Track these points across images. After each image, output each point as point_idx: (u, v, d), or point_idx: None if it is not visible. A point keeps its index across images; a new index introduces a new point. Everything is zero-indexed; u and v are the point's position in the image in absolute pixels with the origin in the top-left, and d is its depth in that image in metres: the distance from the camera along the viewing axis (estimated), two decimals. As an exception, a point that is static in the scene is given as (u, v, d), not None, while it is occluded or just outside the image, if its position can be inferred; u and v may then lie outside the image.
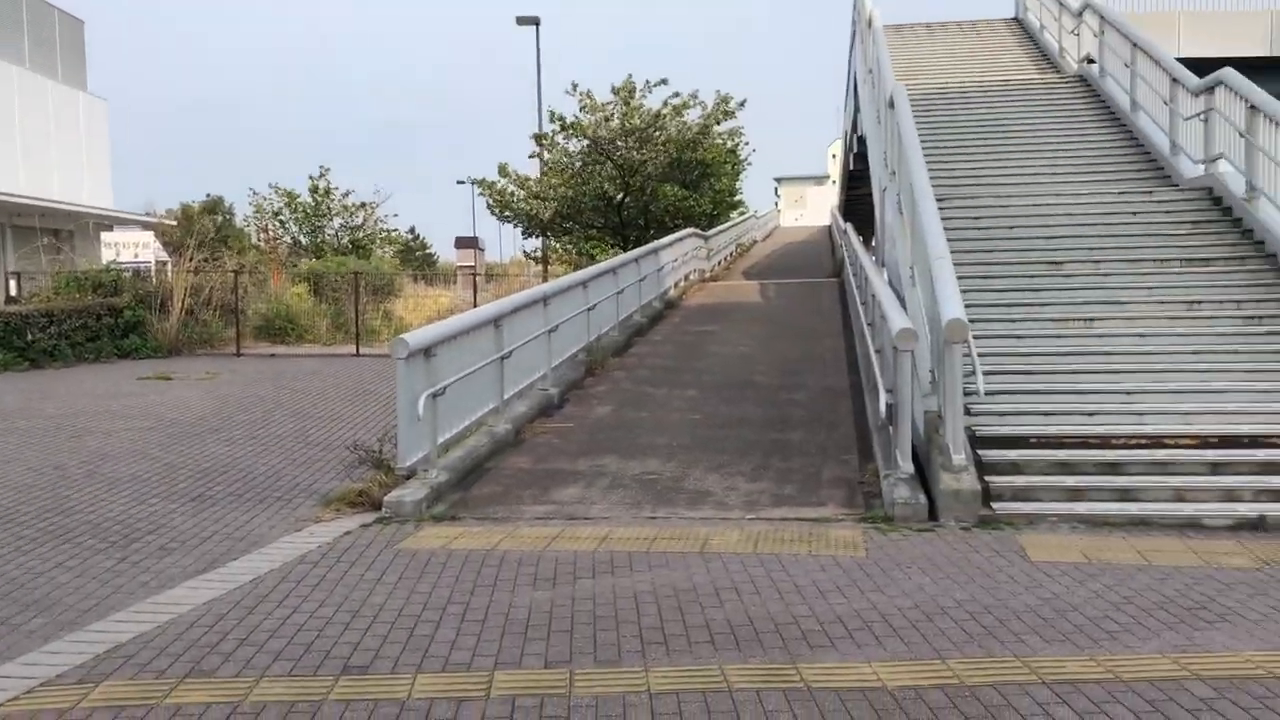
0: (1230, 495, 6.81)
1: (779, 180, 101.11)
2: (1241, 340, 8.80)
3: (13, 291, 22.25)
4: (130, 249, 22.43)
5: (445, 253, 79.46)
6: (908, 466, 7.10)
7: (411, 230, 68.66)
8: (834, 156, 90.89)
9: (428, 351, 7.90)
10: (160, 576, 5.93)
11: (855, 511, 7.12)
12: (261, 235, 33.86)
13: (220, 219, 55.69)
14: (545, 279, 28.97)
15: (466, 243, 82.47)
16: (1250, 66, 12.98)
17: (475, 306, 22.36)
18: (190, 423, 11.56)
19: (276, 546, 6.56)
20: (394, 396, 13.58)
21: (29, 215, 32.05)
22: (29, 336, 17.26)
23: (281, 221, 33.47)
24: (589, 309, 13.35)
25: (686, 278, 22.72)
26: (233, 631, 4.89)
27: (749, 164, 29.83)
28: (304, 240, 33.30)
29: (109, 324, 18.78)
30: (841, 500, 7.43)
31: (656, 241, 19.73)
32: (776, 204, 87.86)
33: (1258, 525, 6.53)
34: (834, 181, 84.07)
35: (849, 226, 23.17)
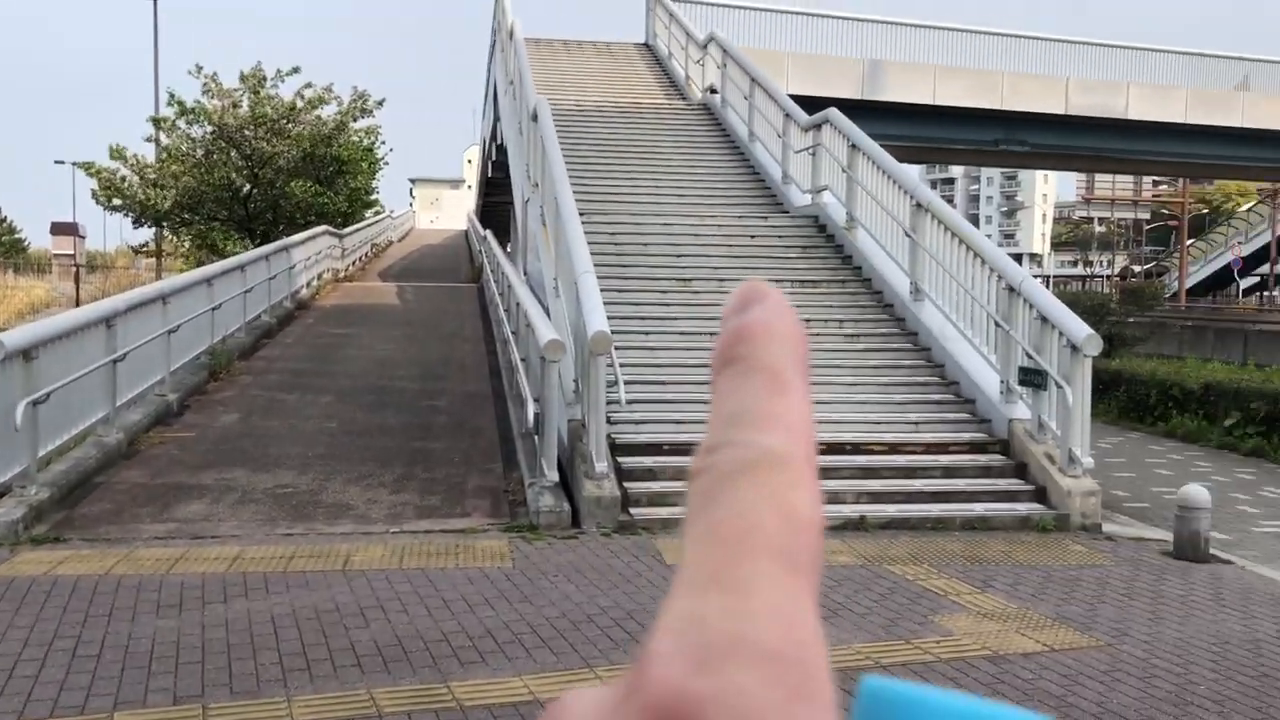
0: (835, 498, 7.54)
1: (414, 181, 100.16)
2: (843, 356, 9.79)
3: None
4: None
5: (38, 239, 71.37)
6: (553, 475, 7.25)
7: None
8: (470, 162, 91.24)
9: (27, 354, 7.04)
10: None
11: (501, 521, 7.17)
12: None
13: None
14: (159, 273, 26.78)
15: (64, 229, 74.59)
16: (849, 107, 14.49)
17: (76, 302, 20.23)
18: None
19: None
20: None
21: None
22: None
23: None
24: (214, 308, 12.48)
25: (320, 277, 21.85)
26: None
27: (386, 163, 29.21)
28: None
29: None
30: (487, 510, 7.45)
31: (288, 238, 18.80)
32: (412, 205, 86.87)
33: (859, 525, 7.28)
34: (470, 186, 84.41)
35: (489, 234, 23.34)
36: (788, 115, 13.61)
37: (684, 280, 10.97)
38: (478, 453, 9.13)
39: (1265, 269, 53.95)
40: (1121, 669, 4.77)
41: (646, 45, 23.53)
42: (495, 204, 37.30)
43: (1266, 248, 50.32)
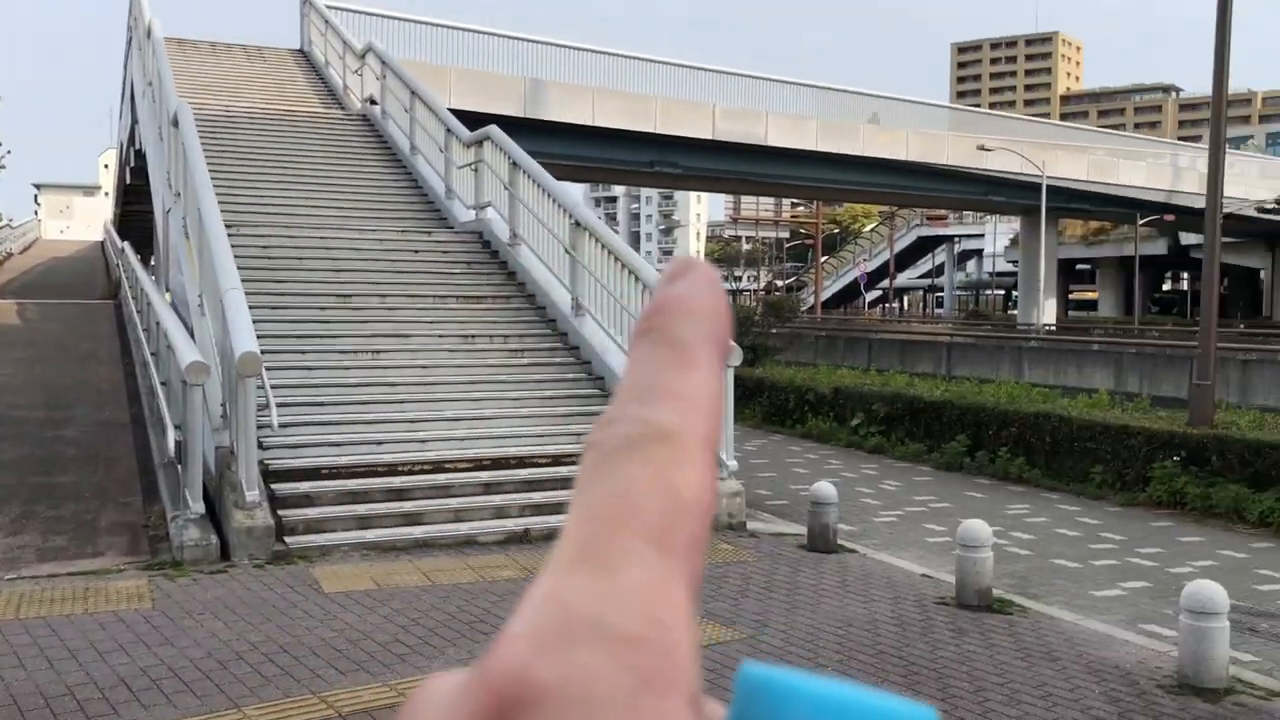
0: (501, 512, 7.60)
1: (40, 187, 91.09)
2: (508, 371, 9.87)
3: None
4: None
5: None
6: (198, 506, 6.79)
7: None
8: (107, 167, 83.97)
9: None
10: None
11: (140, 559, 6.62)
12: None
13: None
14: None
15: None
16: (512, 124, 14.65)
17: None
18: None
19: None
20: None
21: None
22: None
23: None
24: None
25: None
26: None
27: (2, 167, 26.28)
28: None
29: None
30: (124, 548, 6.86)
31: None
32: (37, 213, 78.81)
33: (523, 538, 7.37)
34: (108, 194, 77.61)
35: (127, 245, 21.53)
36: (449, 130, 13.56)
37: (343, 296, 10.65)
38: (113, 485, 8.40)
39: (886, 283, 60.27)
40: (761, 658, 5.14)
41: (302, 51, 22.66)
42: (136, 212, 34.42)
43: (886, 264, 56.21)
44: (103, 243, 41.34)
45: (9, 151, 36.69)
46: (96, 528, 7.29)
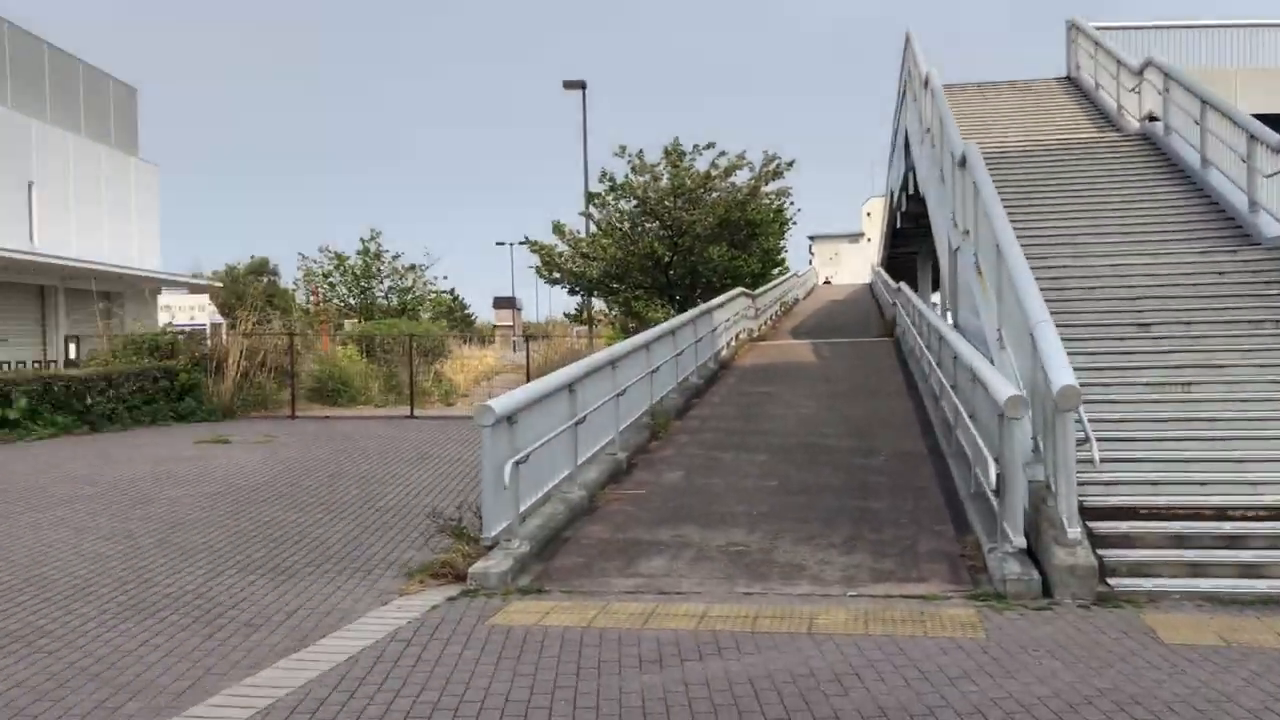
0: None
1: (813, 238, 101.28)
2: (1349, 405, 8.44)
3: (71, 354, 22.41)
4: (186, 311, 22.61)
5: (482, 312, 79.96)
6: (1019, 540, 6.79)
7: (451, 291, 69.26)
8: (869, 215, 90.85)
9: (510, 418, 7.74)
10: (251, 655, 5.72)
11: (962, 588, 6.81)
12: (311, 298, 34.08)
13: (266, 280, 56.26)
14: (590, 341, 28.87)
15: (505, 303, 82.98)
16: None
17: (527, 369, 22.26)
18: (254, 488, 11.42)
19: (365, 622, 6.34)
20: (456, 459, 13.47)
21: (83, 279, 32.48)
22: (88, 400, 17.29)
23: (331, 284, 33.70)
24: (651, 372, 13.17)
25: (737, 337, 22.53)
26: (338, 719, 4.66)
27: (794, 223, 29.72)
28: (353, 302, 33.50)
29: (165, 387, 18.81)
30: (945, 575, 7.12)
31: (710, 302, 19.58)
32: (810, 262, 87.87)
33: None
34: (870, 239, 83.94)
35: (904, 285, 22.94)
36: (1253, 136, 12.16)
37: (1142, 325, 10.04)
38: (923, 514, 8.81)
39: None
40: None
41: (1069, 78, 22.23)
42: (901, 254, 36.72)
43: None
44: (870, 284, 44.75)
45: (800, 209, 41.46)
46: (916, 553, 7.67)
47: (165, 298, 24.41)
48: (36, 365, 20.59)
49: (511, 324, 73.79)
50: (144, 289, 35.93)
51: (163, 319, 22.84)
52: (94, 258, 33.49)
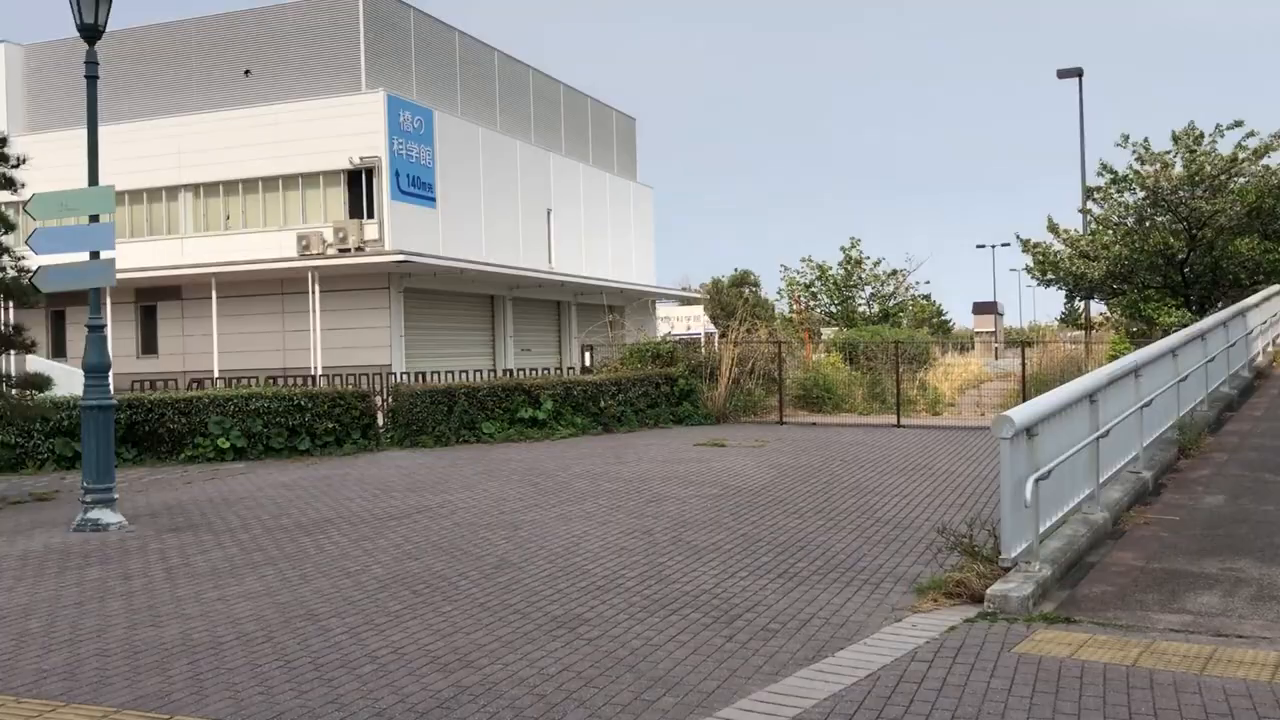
0: None
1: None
2: None
3: (586, 362, 24.75)
4: (682, 322, 24.00)
5: (960, 318, 77.44)
6: None
7: (927, 297, 67.93)
8: None
9: (1029, 430, 7.15)
10: (771, 661, 5.71)
11: None
12: (794, 306, 34.91)
13: (748, 291, 58.64)
14: (1087, 348, 26.68)
15: (985, 308, 79.80)
16: None
17: (1022, 379, 21.03)
18: (753, 491, 11.70)
19: (880, 638, 6.11)
20: (950, 473, 12.93)
21: (591, 293, 35.87)
22: (601, 403, 18.90)
23: (813, 293, 34.29)
24: (1179, 380, 11.73)
25: (1275, 342, 19.63)
26: (870, 741, 4.46)
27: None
28: (834, 310, 33.81)
29: (666, 392, 20.09)
30: None
31: (1242, 301, 17.20)
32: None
33: None
34: None
35: None
36: None
37: None
38: None
39: None
40: None
41: None
42: None
43: None
44: None
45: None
46: None
47: (664, 309, 26.16)
48: (553, 371, 22.97)
49: (993, 330, 70.66)
50: (641, 301, 38.95)
51: (661, 329, 24.46)
52: (600, 275, 36.87)
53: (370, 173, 28.57)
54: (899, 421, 19.69)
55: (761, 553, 8.55)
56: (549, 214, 36.24)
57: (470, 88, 33.87)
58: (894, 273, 33.98)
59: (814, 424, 19.95)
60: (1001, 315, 79.67)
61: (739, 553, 8.55)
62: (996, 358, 42.01)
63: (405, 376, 19.49)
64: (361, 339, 27.64)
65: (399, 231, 28.43)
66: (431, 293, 29.61)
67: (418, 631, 6.30)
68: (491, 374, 22.16)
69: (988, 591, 6.69)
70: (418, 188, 29.35)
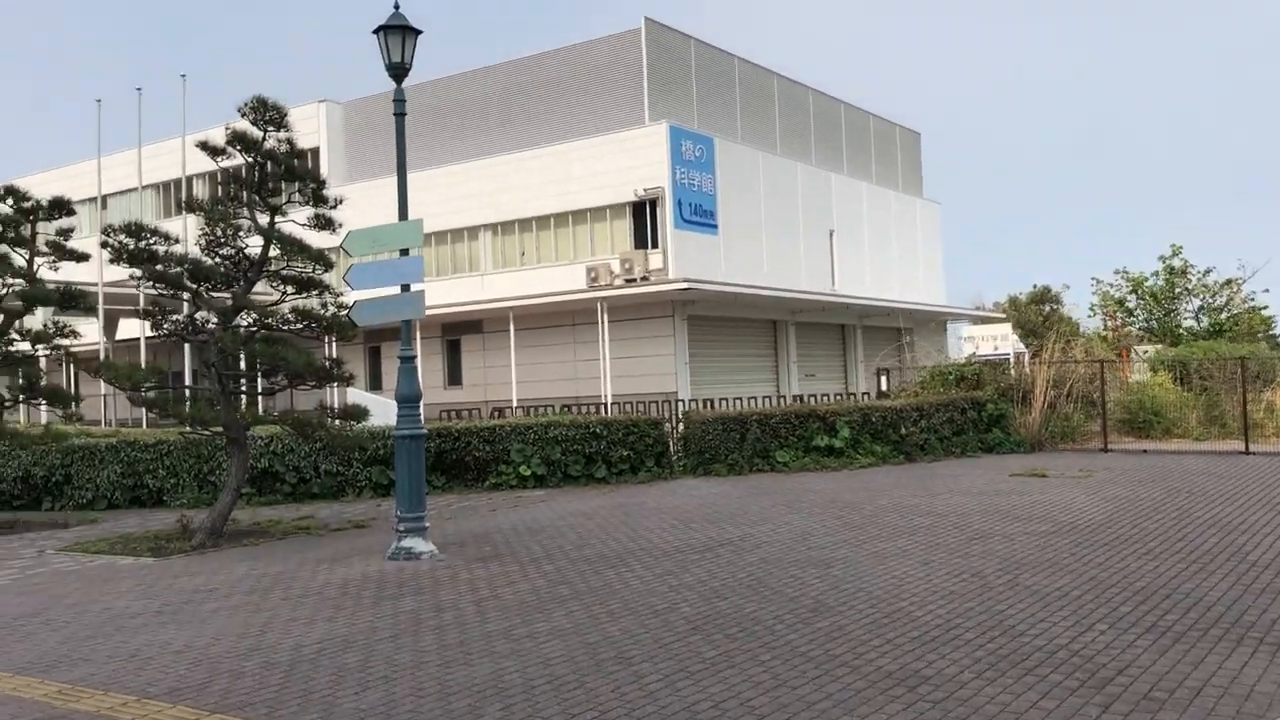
0: None
1: None
2: None
3: (882, 386, 23.66)
4: (989, 342, 22.46)
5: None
6: None
7: (1265, 307, 61.27)
8: None
9: None
10: (1166, 742, 4.70)
11: None
12: (1108, 322, 32.12)
13: (1048, 309, 55.03)
14: None
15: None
16: None
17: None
18: (1090, 528, 10.41)
19: (1305, 720, 4.94)
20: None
21: (877, 315, 34.56)
22: (902, 430, 17.82)
23: (1129, 309, 31.38)
24: None
25: None
26: None
27: None
28: (1153, 325, 30.79)
29: (973, 418, 18.72)
30: None
31: None
32: None
33: None
34: None
35: None
36: None
37: None
38: None
39: None
40: None
41: None
42: None
43: None
44: None
45: None
46: None
47: (965, 329, 24.63)
48: (839, 397, 22.03)
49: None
50: (932, 322, 37.12)
51: (966, 350, 22.99)
52: (886, 296, 35.50)
53: (654, 203, 28.83)
54: (1247, 448, 17.36)
55: (1117, 601, 7.40)
56: (831, 235, 35.33)
57: (750, 113, 33.64)
58: (1228, 282, 30.45)
59: (1144, 451, 17.95)
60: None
61: (1090, 600, 7.44)
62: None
63: (693, 404, 19.20)
64: (648, 367, 27.81)
65: (682, 260, 28.48)
66: (714, 319, 29.46)
67: (737, 683, 5.72)
68: (781, 400, 21.52)
69: None
70: (700, 215, 29.34)
